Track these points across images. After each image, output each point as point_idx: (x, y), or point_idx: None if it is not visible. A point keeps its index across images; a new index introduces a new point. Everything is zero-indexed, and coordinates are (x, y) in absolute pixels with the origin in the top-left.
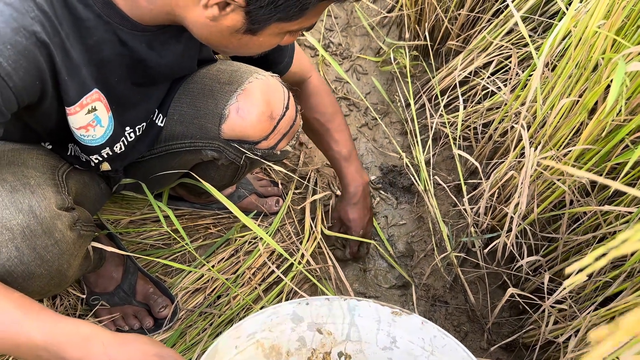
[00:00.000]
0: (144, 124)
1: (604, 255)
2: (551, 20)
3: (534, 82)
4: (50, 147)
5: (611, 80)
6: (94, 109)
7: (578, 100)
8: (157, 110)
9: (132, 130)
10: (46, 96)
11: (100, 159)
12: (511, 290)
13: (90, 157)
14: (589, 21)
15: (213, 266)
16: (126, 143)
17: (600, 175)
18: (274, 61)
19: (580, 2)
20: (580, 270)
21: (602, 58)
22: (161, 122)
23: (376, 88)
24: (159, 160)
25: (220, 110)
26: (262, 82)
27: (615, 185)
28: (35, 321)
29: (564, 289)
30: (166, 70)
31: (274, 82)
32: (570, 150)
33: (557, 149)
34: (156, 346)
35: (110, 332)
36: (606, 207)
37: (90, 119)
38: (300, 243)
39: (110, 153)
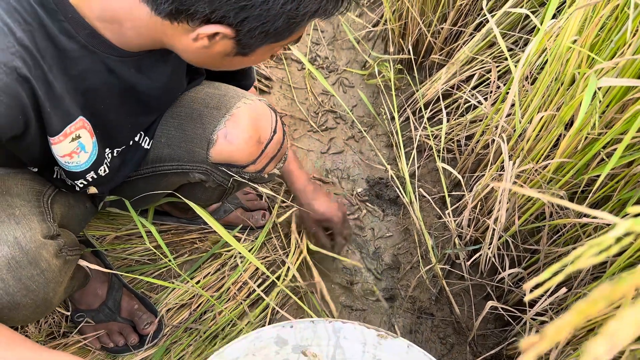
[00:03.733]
0: (124, 147)
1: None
2: (529, 36)
3: (510, 96)
4: (36, 170)
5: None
6: (78, 137)
7: (555, 114)
8: (142, 133)
9: (110, 152)
10: (29, 129)
11: (85, 182)
12: (491, 303)
13: (75, 182)
14: (563, 37)
15: (199, 281)
16: (108, 165)
17: (579, 187)
18: (246, 75)
19: (553, 17)
20: (539, 285)
21: (578, 72)
22: (147, 145)
23: (362, 101)
24: (145, 181)
25: (209, 135)
26: (250, 107)
27: (579, 208)
28: (15, 353)
29: (545, 300)
30: (158, 93)
31: (262, 106)
32: (549, 163)
33: (536, 162)
34: None
35: None
36: (584, 220)
37: (74, 146)
38: (287, 257)
39: (95, 177)
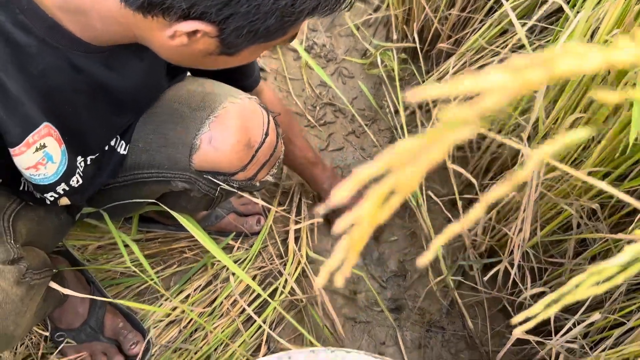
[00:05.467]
0: (98, 153)
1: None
2: (546, 22)
3: (537, 105)
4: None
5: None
6: (44, 146)
7: (584, 116)
8: (118, 137)
9: (83, 159)
10: None
11: (56, 195)
12: (517, 334)
13: (45, 195)
14: (599, 29)
15: (189, 295)
16: (81, 174)
17: (612, 198)
18: (244, 74)
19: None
20: (529, 319)
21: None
22: (124, 150)
23: (363, 92)
24: (124, 189)
25: (191, 139)
26: (238, 107)
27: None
28: None
29: (571, 328)
30: (132, 92)
31: (252, 105)
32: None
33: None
34: None
35: None
36: (619, 235)
37: (40, 157)
38: (284, 266)
39: (67, 188)
